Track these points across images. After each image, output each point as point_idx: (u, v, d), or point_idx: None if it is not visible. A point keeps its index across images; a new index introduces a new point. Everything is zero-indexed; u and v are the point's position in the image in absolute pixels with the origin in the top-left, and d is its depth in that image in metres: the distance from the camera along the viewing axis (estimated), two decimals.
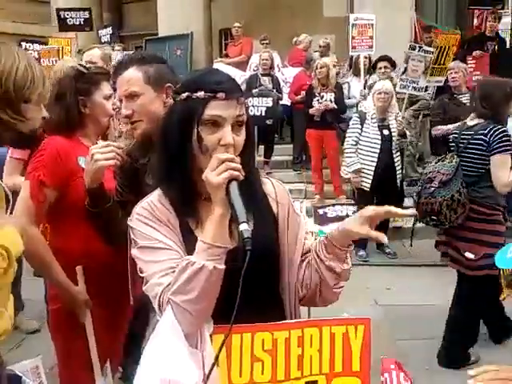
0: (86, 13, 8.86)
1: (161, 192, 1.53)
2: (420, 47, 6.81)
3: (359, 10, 8.52)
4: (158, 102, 2.04)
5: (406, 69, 6.81)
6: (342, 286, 1.60)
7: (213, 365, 1.21)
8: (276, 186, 1.68)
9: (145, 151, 2.14)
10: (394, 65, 7.46)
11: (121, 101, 2.13)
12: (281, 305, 1.61)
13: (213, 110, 1.43)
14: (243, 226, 1.29)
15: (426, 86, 7.57)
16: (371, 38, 7.70)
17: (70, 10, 9.08)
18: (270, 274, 1.57)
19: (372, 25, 7.69)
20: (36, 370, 1.91)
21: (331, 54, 9.24)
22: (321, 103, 7.44)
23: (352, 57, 8.54)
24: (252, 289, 1.44)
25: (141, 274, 1.48)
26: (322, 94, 7.44)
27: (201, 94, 1.44)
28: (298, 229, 1.65)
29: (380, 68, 7.48)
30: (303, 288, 1.61)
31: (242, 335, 1.39)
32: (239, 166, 1.36)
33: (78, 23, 8.79)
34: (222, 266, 1.34)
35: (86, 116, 2.43)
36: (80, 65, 2.56)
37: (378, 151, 6.04)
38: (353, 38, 7.80)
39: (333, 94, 7.47)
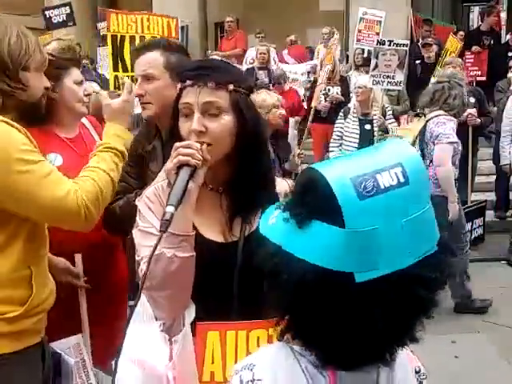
0: (67, 8, 8.78)
1: None
2: (390, 41, 6.75)
3: (356, 5, 8.49)
4: (172, 89, 1.98)
5: (376, 64, 6.74)
6: None
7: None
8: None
9: (150, 138, 2.19)
10: None
11: (136, 80, 2.17)
12: None
13: (183, 98, 1.45)
14: (169, 209, 1.28)
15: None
16: (378, 34, 7.65)
17: (54, 7, 9.06)
18: None
19: (380, 22, 7.65)
20: (78, 346, 1.95)
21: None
22: (328, 98, 7.31)
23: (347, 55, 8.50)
24: (250, 290, 1.42)
25: (136, 257, 1.48)
26: (328, 88, 7.31)
27: (178, 85, 1.48)
28: None
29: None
30: None
31: (237, 332, 1.38)
32: (192, 151, 1.35)
33: (61, 20, 8.74)
34: (184, 254, 1.34)
35: (56, 103, 2.34)
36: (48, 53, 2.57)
37: (356, 145, 6.09)
38: (359, 31, 7.75)
39: (339, 88, 7.39)
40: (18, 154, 1.64)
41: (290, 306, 0.97)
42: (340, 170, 0.91)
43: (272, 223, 1.00)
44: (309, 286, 0.90)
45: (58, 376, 1.89)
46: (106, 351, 2.48)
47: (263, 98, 4.37)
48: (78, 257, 2.31)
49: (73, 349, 1.94)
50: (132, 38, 3.59)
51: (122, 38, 3.59)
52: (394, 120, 6.41)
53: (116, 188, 1.88)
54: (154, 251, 1.26)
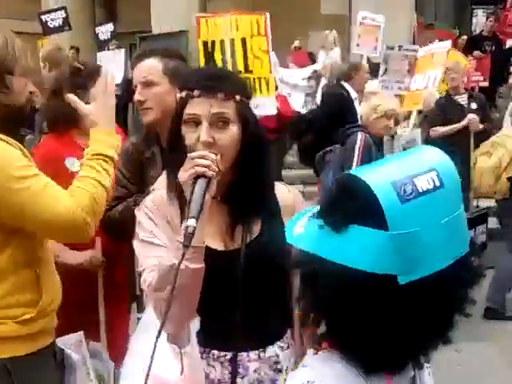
0: (63, 12, 8.76)
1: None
2: (400, 46, 6.73)
3: (358, 9, 8.42)
4: (172, 94, 2.02)
5: (386, 69, 6.73)
6: None
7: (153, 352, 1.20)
8: (293, 193, 1.65)
9: (149, 144, 2.22)
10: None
11: (135, 86, 2.21)
12: (289, 318, 1.58)
13: (190, 108, 1.44)
14: (190, 222, 1.28)
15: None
16: (377, 40, 7.57)
17: (49, 12, 9.00)
18: (277, 285, 1.54)
19: (380, 26, 7.54)
20: (79, 343, 1.98)
21: (335, 49, 9.10)
22: None
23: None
24: (254, 296, 1.48)
25: (139, 268, 1.48)
26: None
27: (183, 93, 1.46)
28: None
29: None
30: None
31: None
32: (207, 163, 1.35)
33: (57, 25, 8.71)
34: (195, 266, 1.34)
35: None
36: (77, 62, 2.64)
37: None
38: (358, 36, 7.69)
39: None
40: (15, 171, 1.66)
41: (329, 312, 0.97)
42: (379, 175, 0.94)
43: (300, 232, 1.00)
44: (349, 291, 0.92)
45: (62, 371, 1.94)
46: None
47: (378, 103, 4.30)
48: (98, 239, 2.36)
49: (74, 346, 1.97)
50: (222, 42, 3.42)
51: (213, 43, 3.44)
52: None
53: (109, 194, 1.88)
54: (178, 267, 1.26)
